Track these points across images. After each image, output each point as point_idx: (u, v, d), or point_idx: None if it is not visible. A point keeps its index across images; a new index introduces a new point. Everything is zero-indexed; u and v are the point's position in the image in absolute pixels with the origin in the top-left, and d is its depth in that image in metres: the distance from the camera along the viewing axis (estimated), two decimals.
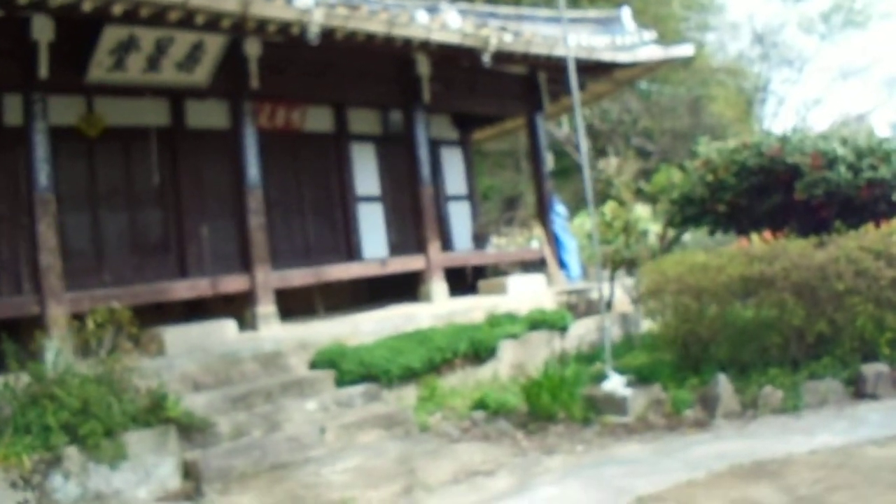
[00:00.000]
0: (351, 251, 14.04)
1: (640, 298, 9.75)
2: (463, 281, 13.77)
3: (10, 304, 9.31)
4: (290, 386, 8.57)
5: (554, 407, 8.20)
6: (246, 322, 10.59)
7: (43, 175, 9.14)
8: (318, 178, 14.02)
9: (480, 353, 9.99)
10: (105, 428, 6.75)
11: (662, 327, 9.20)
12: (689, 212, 11.52)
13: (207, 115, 12.18)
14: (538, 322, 11.05)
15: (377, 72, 12.53)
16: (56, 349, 8.17)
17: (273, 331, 10.37)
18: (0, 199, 10.34)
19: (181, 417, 7.28)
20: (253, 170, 10.84)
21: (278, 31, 9.75)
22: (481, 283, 13.39)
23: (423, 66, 12.60)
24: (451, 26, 10.98)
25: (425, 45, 11.18)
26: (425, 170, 12.88)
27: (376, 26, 10.15)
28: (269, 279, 10.75)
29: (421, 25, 10.64)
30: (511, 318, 11.00)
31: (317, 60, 11.54)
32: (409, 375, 9.13)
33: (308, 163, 13.86)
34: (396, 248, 14.45)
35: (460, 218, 15.87)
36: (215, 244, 12.09)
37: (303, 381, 8.72)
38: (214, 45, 10.09)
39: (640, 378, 8.74)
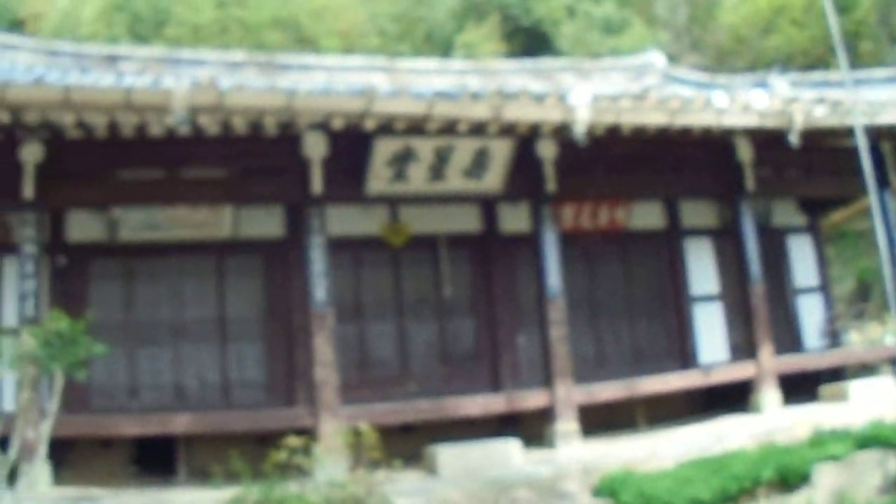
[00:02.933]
0: (685, 356, 12.88)
1: None
2: (813, 383, 12.10)
3: (282, 416, 9.46)
4: None
5: None
6: (545, 439, 10.00)
7: (320, 289, 9.28)
8: (649, 278, 13.16)
9: (789, 479, 8.43)
10: None
11: None
12: None
13: (518, 220, 11.79)
14: (869, 440, 9.19)
15: (696, 160, 11.58)
16: (327, 465, 8.13)
17: (571, 451, 9.65)
18: (296, 309, 10.44)
19: None
20: (553, 278, 10.35)
21: (555, 132, 9.23)
22: (822, 390, 11.61)
23: (744, 152, 11.45)
24: (754, 107, 9.72)
25: (729, 132, 10.08)
26: (755, 265, 11.59)
27: (658, 117, 9.25)
28: (570, 395, 10.10)
29: (714, 109, 9.54)
30: (838, 435, 9.32)
31: (625, 154, 10.85)
32: None
33: (637, 262, 13.10)
34: (738, 351, 13.02)
35: (811, 313, 14.03)
36: (531, 355, 11.62)
37: None
38: (500, 150, 9.80)
39: None
